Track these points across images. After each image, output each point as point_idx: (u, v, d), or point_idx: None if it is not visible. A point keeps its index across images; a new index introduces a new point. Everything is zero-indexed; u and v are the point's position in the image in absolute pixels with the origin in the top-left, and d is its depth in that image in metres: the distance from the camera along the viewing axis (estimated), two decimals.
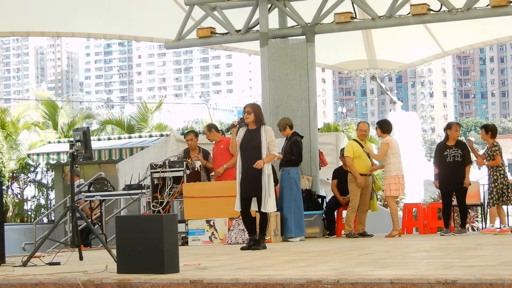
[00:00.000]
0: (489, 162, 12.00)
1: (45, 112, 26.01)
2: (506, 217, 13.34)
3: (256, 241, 9.82)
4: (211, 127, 13.05)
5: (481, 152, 12.84)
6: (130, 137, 20.31)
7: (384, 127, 12.75)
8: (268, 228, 10.50)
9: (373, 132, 25.32)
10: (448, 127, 12.47)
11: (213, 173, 13.14)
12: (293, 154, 12.06)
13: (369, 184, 12.64)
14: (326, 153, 14.18)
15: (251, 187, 9.81)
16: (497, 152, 11.99)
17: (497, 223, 12.47)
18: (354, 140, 12.99)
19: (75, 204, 8.69)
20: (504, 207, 12.56)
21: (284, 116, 12.72)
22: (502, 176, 12.03)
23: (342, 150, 13.21)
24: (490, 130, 12.28)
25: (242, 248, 9.85)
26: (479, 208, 13.33)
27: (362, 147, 12.59)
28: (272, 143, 9.96)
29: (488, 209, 12.83)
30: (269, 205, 9.80)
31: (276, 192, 11.08)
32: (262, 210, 9.79)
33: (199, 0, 14.33)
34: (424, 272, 5.87)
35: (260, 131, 9.92)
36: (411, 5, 13.29)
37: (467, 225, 12.68)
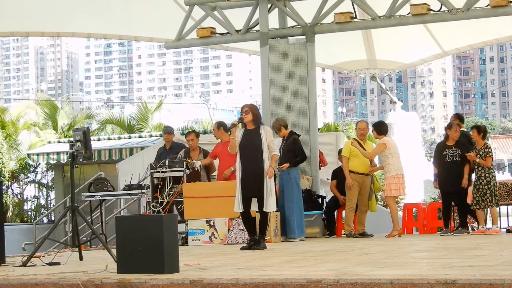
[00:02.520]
0: (480, 161, 12.04)
1: (45, 112, 26.03)
2: (506, 217, 13.39)
3: (256, 241, 9.82)
4: (220, 125, 12.93)
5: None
6: (130, 137, 20.33)
7: (380, 128, 12.73)
8: (268, 228, 10.50)
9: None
10: (449, 127, 12.50)
11: (214, 174, 13.13)
12: (296, 155, 12.02)
13: (367, 184, 12.63)
14: (326, 153, 14.18)
15: (253, 186, 9.80)
16: (490, 154, 12.05)
17: (489, 224, 12.54)
18: (354, 139, 12.98)
19: (75, 204, 8.69)
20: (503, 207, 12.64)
21: (277, 117, 12.70)
22: (494, 178, 12.10)
23: (341, 150, 13.20)
24: (482, 131, 12.32)
25: (242, 248, 9.85)
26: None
27: (362, 146, 12.58)
28: (273, 143, 9.99)
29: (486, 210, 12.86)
30: (270, 204, 9.80)
31: (276, 192, 11.07)
32: (264, 209, 9.79)
33: (199, 0, 14.32)
34: (424, 272, 5.86)
35: (260, 131, 9.93)
36: (411, 5, 13.30)
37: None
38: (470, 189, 12.30)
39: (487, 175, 12.03)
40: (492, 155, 12.12)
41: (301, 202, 12.13)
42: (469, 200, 12.30)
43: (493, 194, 12.01)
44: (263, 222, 9.93)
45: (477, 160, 12.03)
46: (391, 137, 12.99)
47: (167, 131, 13.74)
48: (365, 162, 12.59)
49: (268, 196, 9.77)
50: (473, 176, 12.33)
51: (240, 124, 10.12)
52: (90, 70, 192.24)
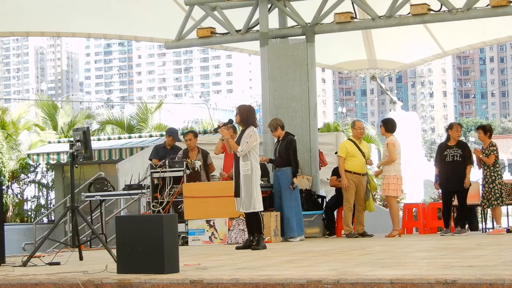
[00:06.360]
0: (483, 158, 12.06)
1: (45, 112, 26.01)
2: (506, 217, 13.38)
3: (256, 241, 9.83)
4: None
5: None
6: (130, 137, 20.32)
7: (388, 126, 12.75)
8: (263, 227, 10.43)
9: (372, 132, 25.29)
10: (450, 127, 12.53)
11: (213, 174, 13.12)
12: (289, 157, 11.95)
13: (363, 184, 12.62)
14: (326, 153, 14.17)
15: (235, 187, 9.94)
16: (494, 152, 12.05)
17: (489, 224, 12.55)
18: (349, 139, 12.99)
19: (75, 204, 8.69)
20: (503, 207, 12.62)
21: (275, 117, 12.67)
22: (500, 177, 12.10)
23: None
24: (488, 131, 12.34)
25: (237, 248, 9.89)
26: (479, 208, 13.34)
27: (358, 146, 12.59)
28: (244, 140, 9.87)
29: (486, 210, 12.88)
30: (247, 205, 9.81)
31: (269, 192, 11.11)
32: (241, 210, 9.89)
33: (199, 0, 14.32)
34: (424, 272, 5.87)
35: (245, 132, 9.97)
36: (411, 5, 13.30)
37: (466, 225, 12.69)
38: (470, 189, 12.31)
39: (492, 173, 12.04)
40: (496, 153, 12.11)
41: (299, 201, 12.13)
42: (469, 200, 12.30)
43: (498, 193, 11.99)
44: (255, 222, 9.93)
45: (481, 156, 12.05)
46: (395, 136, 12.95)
47: (174, 138, 13.56)
48: (361, 162, 12.60)
49: (243, 197, 9.80)
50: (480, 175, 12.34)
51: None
52: (90, 70, 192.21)
